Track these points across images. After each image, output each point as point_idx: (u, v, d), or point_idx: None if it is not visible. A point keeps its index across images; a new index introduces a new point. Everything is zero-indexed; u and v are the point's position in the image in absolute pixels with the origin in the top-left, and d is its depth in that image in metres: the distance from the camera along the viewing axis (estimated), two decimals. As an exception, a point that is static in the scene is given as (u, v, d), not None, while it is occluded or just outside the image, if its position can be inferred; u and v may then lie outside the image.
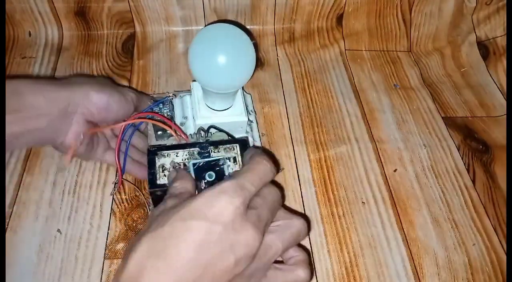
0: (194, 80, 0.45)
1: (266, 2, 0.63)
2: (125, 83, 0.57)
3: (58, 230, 0.42)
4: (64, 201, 0.44)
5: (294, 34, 0.66)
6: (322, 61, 0.64)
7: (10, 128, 0.33)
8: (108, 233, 0.42)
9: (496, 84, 0.63)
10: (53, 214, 0.43)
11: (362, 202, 0.47)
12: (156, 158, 0.35)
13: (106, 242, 0.41)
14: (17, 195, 0.44)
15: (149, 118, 0.42)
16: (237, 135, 0.42)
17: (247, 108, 0.44)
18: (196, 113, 0.42)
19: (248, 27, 0.65)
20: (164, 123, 0.41)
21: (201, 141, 0.37)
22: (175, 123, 0.43)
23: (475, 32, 0.67)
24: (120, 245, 0.41)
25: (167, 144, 0.37)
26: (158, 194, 0.35)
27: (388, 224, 0.46)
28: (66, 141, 0.38)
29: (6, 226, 0.42)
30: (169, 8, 0.62)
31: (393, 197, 0.48)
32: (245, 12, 0.64)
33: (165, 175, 0.34)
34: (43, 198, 0.44)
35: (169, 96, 0.45)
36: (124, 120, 0.42)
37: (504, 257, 0.44)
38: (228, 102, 0.43)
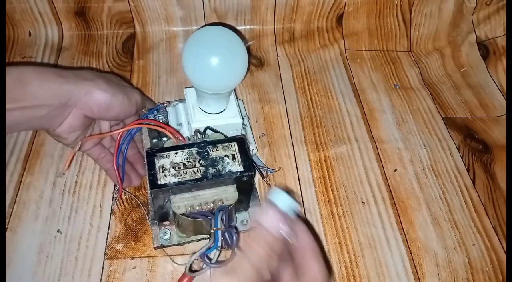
0: (188, 87, 0.46)
1: (266, 2, 0.63)
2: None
3: (58, 230, 0.42)
4: (64, 201, 0.44)
5: (294, 34, 0.66)
6: (322, 61, 0.64)
7: (11, 115, 0.33)
8: (108, 233, 0.42)
9: (496, 84, 0.63)
10: (53, 214, 0.43)
11: (362, 202, 0.47)
12: (156, 160, 0.35)
13: (106, 242, 0.41)
14: (17, 195, 0.44)
15: (147, 124, 0.42)
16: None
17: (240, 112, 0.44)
18: (192, 117, 0.42)
19: (248, 27, 0.65)
20: (160, 127, 0.41)
21: (199, 141, 0.37)
22: (171, 127, 0.43)
23: (475, 32, 0.67)
24: (120, 245, 0.41)
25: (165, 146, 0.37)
26: (160, 195, 0.35)
27: (388, 224, 0.46)
28: (59, 130, 0.38)
29: (6, 226, 0.42)
30: (169, 8, 0.62)
31: (393, 197, 0.48)
32: (245, 12, 0.64)
33: (165, 175, 0.34)
34: (43, 198, 0.44)
35: (163, 104, 0.46)
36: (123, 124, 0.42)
37: (504, 257, 0.44)
38: (222, 104, 0.43)
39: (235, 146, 0.37)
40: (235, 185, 0.36)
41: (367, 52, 0.67)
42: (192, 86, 0.44)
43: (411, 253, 0.44)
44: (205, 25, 0.46)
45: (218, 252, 0.35)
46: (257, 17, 0.64)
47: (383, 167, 0.51)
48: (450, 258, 0.44)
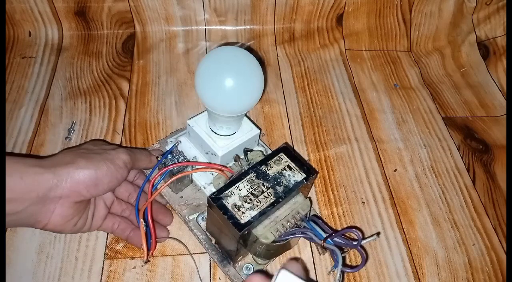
0: (190, 118, 0.42)
1: (266, 2, 0.63)
2: (125, 83, 0.57)
3: (58, 230, 0.42)
4: (64, 201, 0.44)
5: (294, 34, 0.66)
6: (322, 61, 0.64)
7: None
8: (108, 233, 0.42)
9: (496, 84, 0.63)
10: (53, 214, 0.43)
11: (362, 202, 0.47)
12: (224, 202, 0.33)
13: (106, 242, 0.41)
14: (17, 195, 0.44)
15: (190, 170, 0.40)
16: (254, 149, 0.43)
17: None
18: (213, 147, 0.40)
19: (248, 27, 0.65)
20: (209, 167, 0.40)
21: (249, 166, 0.36)
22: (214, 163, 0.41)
23: (475, 32, 0.67)
24: (120, 245, 0.41)
25: (222, 185, 0.35)
26: (246, 233, 0.33)
27: (388, 224, 0.46)
28: (50, 226, 0.34)
29: (6, 226, 0.42)
30: (169, 8, 0.62)
31: (393, 197, 0.48)
32: (245, 12, 0.64)
33: (243, 212, 0.32)
34: (43, 198, 0.44)
35: (175, 145, 0.42)
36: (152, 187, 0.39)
37: (504, 257, 0.44)
38: (240, 122, 0.42)
39: (284, 157, 0.37)
40: (300, 193, 0.36)
41: (367, 52, 0.67)
42: (192, 117, 0.42)
43: (411, 253, 0.44)
44: (219, 46, 0.43)
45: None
46: (257, 17, 0.64)
47: (383, 167, 0.51)
48: (450, 258, 0.44)
